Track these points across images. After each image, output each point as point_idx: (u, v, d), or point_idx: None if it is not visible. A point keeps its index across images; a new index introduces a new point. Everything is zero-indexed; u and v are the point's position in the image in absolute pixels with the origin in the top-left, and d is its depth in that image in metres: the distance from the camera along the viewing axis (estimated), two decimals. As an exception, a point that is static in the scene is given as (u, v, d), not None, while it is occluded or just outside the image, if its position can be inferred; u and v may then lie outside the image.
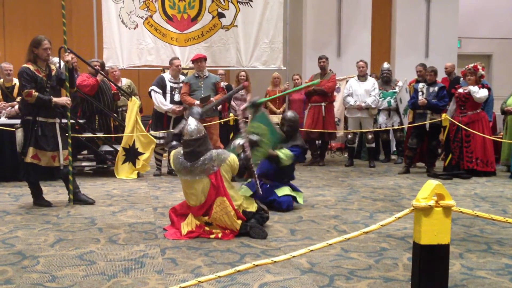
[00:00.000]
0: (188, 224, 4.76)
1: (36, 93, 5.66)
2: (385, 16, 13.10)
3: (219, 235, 4.66)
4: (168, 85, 8.22)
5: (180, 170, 4.80)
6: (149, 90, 8.28)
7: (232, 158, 4.82)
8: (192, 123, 4.79)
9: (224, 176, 4.74)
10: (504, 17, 15.29)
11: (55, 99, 5.81)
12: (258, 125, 5.55)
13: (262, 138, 5.41)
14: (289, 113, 6.14)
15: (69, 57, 5.97)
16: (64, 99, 5.91)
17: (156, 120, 8.37)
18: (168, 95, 8.19)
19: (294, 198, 5.91)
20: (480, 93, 8.15)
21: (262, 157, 5.58)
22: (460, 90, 8.41)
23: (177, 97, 8.21)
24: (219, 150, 4.93)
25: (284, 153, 5.73)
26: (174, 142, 5.18)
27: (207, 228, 4.73)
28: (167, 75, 8.34)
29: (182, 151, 4.84)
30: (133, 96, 8.45)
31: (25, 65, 5.75)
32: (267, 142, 5.50)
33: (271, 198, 5.75)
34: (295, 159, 5.91)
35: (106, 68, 9.41)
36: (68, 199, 6.00)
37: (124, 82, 9.61)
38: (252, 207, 4.93)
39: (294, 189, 6.00)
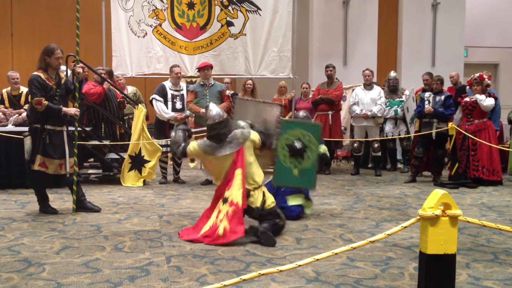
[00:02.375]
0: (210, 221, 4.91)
1: (46, 102, 5.67)
2: (391, 25, 13.11)
3: (221, 227, 4.70)
4: (169, 93, 8.26)
5: (208, 151, 5.05)
6: (151, 99, 8.31)
7: (253, 134, 5.17)
8: (213, 109, 5.14)
9: (245, 152, 5.04)
10: (511, 26, 15.26)
11: (64, 109, 5.83)
12: (290, 134, 5.67)
13: (304, 142, 5.62)
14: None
15: (80, 69, 5.99)
16: (73, 110, 5.92)
17: (158, 128, 8.39)
18: (169, 103, 8.22)
19: (303, 208, 5.91)
20: (487, 102, 8.14)
21: (314, 160, 5.70)
22: (467, 99, 8.40)
23: (178, 105, 8.23)
24: (242, 129, 5.20)
25: (323, 149, 5.94)
26: (181, 129, 5.41)
27: (221, 210, 4.84)
28: (167, 83, 8.37)
29: (201, 140, 5.18)
30: (139, 104, 8.48)
31: (35, 73, 5.77)
32: (311, 141, 5.65)
33: (282, 205, 5.73)
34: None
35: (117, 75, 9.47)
36: (72, 208, 6.01)
37: (130, 90, 9.65)
38: (257, 202, 4.98)
39: (306, 197, 5.99)
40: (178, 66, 8.67)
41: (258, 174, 5.10)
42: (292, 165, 5.70)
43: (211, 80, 8.22)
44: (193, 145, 5.14)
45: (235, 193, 4.88)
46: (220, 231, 4.69)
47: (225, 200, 4.90)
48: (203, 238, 4.75)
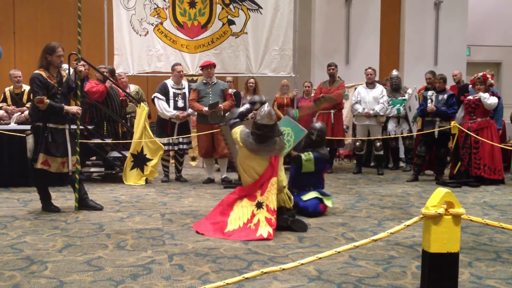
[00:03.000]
0: (236, 220, 5.03)
1: (48, 100, 5.68)
2: (393, 24, 13.09)
3: (265, 230, 4.86)
4: (171, 91, 8.25)
5: (246, 145, 5.23)
6: (152, 97, 8.31)
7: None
8: (267, 110, 5.23)
9: (280, 160, 5.28)
10: (514, 25, 15.26)
11: (66, 107, 5.83)
12: (284, 128, 5.94)
13: (285, 138, 5.80)
14: (318, 124, 6.33)
15: (82, 67, 5.99)
16: (75, 108, 5.92)
17: (160, 126, 8.39)
18: (171, 101, 8.21)
19: (322, 201, 5.94)
20: (491, 100, 8.12)
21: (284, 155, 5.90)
22: (470, 97, 8.39)
23: (180, 103, 8.23)
24: (281, 137, 5.34)
25: (305, 155, 5.94)
26: (237, 120, 5.66)
27: (255, 214, 5.02)
28: (169, 82, 8.35)
29: (247, 130, 5.33)
30: (142, 103, 8.48)
31: (37, 72, 5.77)
32: (290, 138, 5.90)
33: (297, 203, 5.86)
34: (316, 164, 6.01)
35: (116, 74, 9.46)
36: (74, 206, 6.01)
37: (132, 88, 9.65)
38: (286, 204, 5.32)
39: (322, 193, 6.03)
40: (180, 64, 8.67)
41: (284, 179, 5.36)
42: None
43: (214, 78, 8.21)
44: (236, 131, 5.40)
45: (272, 200, 5.06)
46: (265, 234, 4.84)
47: (259, 205, 5.08)
48: (237, 235, 4.88)
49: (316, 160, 5.95)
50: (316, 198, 5.90)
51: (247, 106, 5.94)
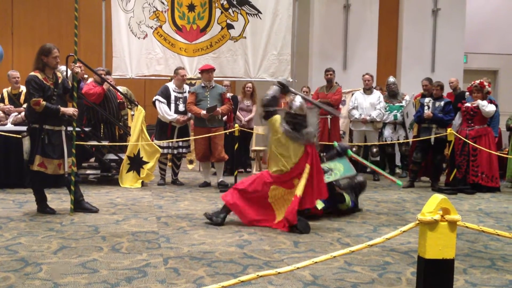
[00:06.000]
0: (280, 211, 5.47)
1: (44, 102, 5.66)
2: (391, 30, 13.12)
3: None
4: (173, 94, 8.24)
5: (286, 132, 5.48)
6: (154, 99, 8.30)
7: None
8: (298, 101, 5.57)
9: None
10: (511, 33, 15.29)
11: (62, 109, 5.82)
12: (335, 164, 6.31)
13: (333, 172, 6.16)
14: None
15: (78, 69, 5.98)
16: (71, 110, 5.91)
17: (160, 129, 8.38)
18: (172, 105, 8.20)
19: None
20: (489, 108, 8.15)
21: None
22: (468, 104, 8.40)
23: (181, 107, 8.23)
24: (314, 128, 5.63)
25: (347, 198, 6.26)
26: (271, 109, 5.69)
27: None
28: (171, 85, 8.35)
29: (285, 119, 5.56)
30: (139, 105, 8.47)
31: (33, 73, 5.76)
32: (337, 172, 6.21)
33: None
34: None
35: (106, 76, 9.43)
36: (70, 208, 6.00)
37: (120, 90, 9.58)
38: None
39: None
40: (183, 68, 8.68)
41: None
42: None
43: (212, 82, 8.21)
44: (276, 118, 5.57)
45: (300, 186, 5.38)
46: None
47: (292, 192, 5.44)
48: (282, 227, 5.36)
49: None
50: None
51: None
